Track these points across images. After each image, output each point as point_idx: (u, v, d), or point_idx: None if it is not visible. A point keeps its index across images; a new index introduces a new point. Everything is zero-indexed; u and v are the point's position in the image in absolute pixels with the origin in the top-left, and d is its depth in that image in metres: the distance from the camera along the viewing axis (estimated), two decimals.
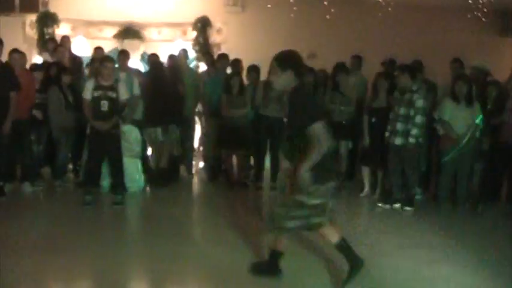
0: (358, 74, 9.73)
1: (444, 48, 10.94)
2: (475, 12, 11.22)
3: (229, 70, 9.47)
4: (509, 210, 7.97)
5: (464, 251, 6.18)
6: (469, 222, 7.50)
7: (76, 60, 10.14)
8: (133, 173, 8.47)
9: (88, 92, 7.56)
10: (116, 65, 9.08)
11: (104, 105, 7.53)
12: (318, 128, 4.38)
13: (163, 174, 8.89)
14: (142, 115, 8.75)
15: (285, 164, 4.79)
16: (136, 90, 8.64)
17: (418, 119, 7.50)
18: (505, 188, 8.59)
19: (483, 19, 11.35)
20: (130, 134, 8.43)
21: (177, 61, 9.48)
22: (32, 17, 12.47)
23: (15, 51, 8.21)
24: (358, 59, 9.84)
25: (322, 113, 4.83)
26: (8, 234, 6.18)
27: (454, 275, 5.46)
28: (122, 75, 8.70)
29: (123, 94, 7.75)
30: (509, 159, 7.83)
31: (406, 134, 7.57)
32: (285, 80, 4.58)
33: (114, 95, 7.61)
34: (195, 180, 9.69)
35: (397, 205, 7.85)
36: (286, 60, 4.59)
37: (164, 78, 8.90)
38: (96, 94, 7.54)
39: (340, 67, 8.84)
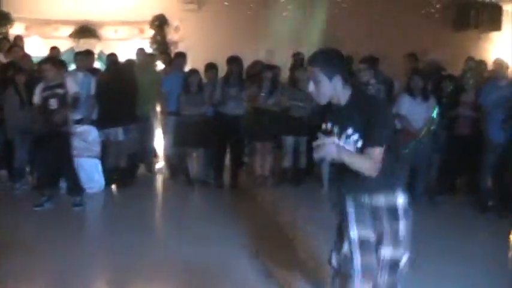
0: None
1: (400, 43, 11.08)
2: (429, 8, 11.42)
3: (187, 68, 9.44)
4: (466, 200, 8.16)
5: (424, 240, 6.29)
6: (427, 213, 7.59)
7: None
8: (93, 173, 8.41)
9: (37, 96, 7.49)
10: (73, 65, 9.10)
11: (53, 103, 7.42)
12: None
13: (123, 174, 8.84)
14: (98, 115, 8.65)
15: None
16: (93, 90, 8.56)
17: None
18: (461, 179, 8.79)
19: (436, 15, 11.56)
20: (89, 134, 8.36)
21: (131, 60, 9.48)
22: None
23: None
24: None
25: None
26: None
27: (415, 262, 5.55)
28: (80, 75, 8.65)
29: (72, 88, 7.60)
30: (465, 151, 7.96)
31: None
32: (333, 89, 3.42)
33: (62, 91, 7.48)
34: (156, 178, 9.67)
35: None
36: (332, 62, 3.43)
37: (122, 77, 8.82)
38: (44, 95, 7.45)
39: (297, 64, 8.92)
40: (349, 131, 3.39)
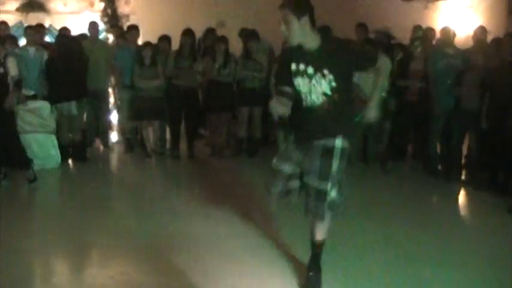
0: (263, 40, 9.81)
1: (348, 13, 11.22)
2: None
3: (139, 42, 9.43)
4: (416, 167, 8.43)
5: (376, 206, 6.58)
6: (379, 179, 7.93)
7: None
8: (50, 148, 8.36)
9: None
10: (24, 39, 9.00)
11: None
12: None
13: (78, 148, 8.83)
14: (50, 90, 8.58)
15: None
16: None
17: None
18: (411, 145, 9.07)
19: None
20: (43, 110, 8.32)
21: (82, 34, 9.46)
22: None
23: None
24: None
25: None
26: None
27: (369, 226, 5.80)
28: (31, 50, 8.58)
29: (12, 70, 7.38)
30: (414, 118, 8.21)
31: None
32: (302, 30, 3.84)
33: (1, 70, 7.28)
34: (113, 152, 9.67)
35: None
36: (300, 4, 3.86)
37: (73, 52, 8.75)
38: None
39: (251, 34, 9.00)
40: (325, 71, 3.87)
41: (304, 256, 4.55)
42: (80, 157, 8.72)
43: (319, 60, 3.88)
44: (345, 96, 4.07)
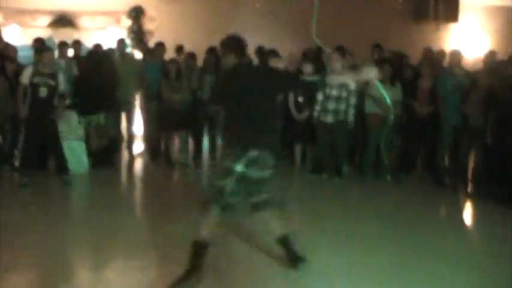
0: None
1: (361, 34, 11.69)
2: (390, 0, 12.10)
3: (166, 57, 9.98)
4: (425, 178, 8.93)
5: (389, 213, 7.11)
6: (391, 189, 8.43)
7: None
8: (79, 155, 8.86)
9: (25, 77, 7.81)
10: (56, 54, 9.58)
11: (43, 91, 7.83)
12: None
13: (105, 155, 9.36)
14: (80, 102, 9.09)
15: None
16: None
17: (352, 99, 8.53)
18: (420, 158, 9.54)
19: (396, 6, 12.24)
20: (72, 118, 8.85)
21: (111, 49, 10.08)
22: None
23: None
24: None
25: None
26: None
27: (381, 230, 6.32)
28: (62, 62, 9.18)
29: (62, 84, 8.05)
30: (422, 133, 8.75)
31: (336, 112, 8.50)
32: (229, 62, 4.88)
33: (53, 83, 7.91)
34: (138, 161, 10.13)
35: (325, 175, 8.76)
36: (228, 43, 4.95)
37: (103, 66, 9.24)
38: (35, 80, 7.81)
39: (271, 53, 9.53)
40: None
41: None
42: (107, 164, 9.23)
43: None
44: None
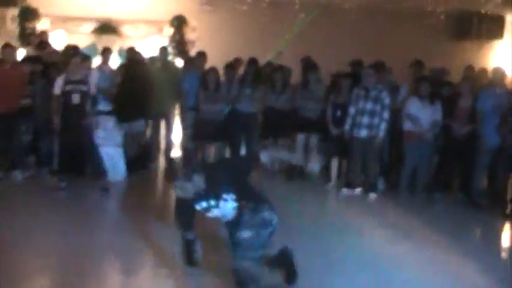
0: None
1: (402, 51, 11.61)
2: (431, 18, 12.03)
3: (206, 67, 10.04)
4: (460, 198, 8.77)
5: (422, 231, 7.07)
6: (426, 208, 8.35)
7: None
8: (117, 161, 8.99)
9: (57, 87, 7.98)
10: (99, 60, 9.77)
11: (75, 98, 7.97)
12: None
13: (141, 163, 9.50)
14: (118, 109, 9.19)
15: None
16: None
17: (386, 114, 8.42)
18: (456, 178, 9.36)
19: (438, 24, 12.17)
20: (108, 123, 8.96)
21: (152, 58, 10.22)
22: (13, 12, 12.82)
23: (7, 45, 8.73)
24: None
25: None
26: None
27: (413, 249, 6.29)
28: (106, 69, 9.35)
29: (93, 88, 8.18)
30: (459, 153, 8.59)
31: (370, 127, 8.44)
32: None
33: (84, 88, 8.04)
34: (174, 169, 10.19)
35: (359, 189, 8.75)
36: None
37: (139, 74, 9.39)
38: (67, 88, 7.96)
39: (310, 65, 9.56)
40: None
41: None
42: (142, 171, 9.36)
43: None
44: None
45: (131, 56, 10.03)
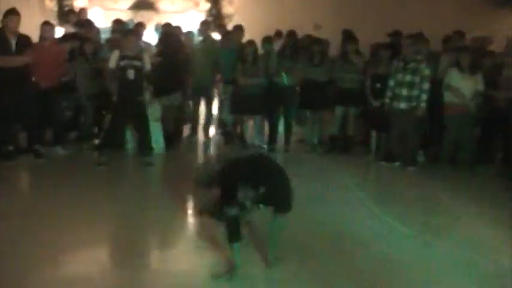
0: None
1: (440, 21, 11.42)
2: None
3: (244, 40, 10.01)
4: (503, 171, 8.59)
5: (463, 204, 6.96)
6: (468, 181, 8.18)
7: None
8: (156, 135, 9.03)
9: (113, 61, 8.05)
10: None
11: (130, 73, 8.03)
12: None
13: (178, 136, 9.66)
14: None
15: None
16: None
17: (426, 85, 8.30)
18: (499, 150, 9.20)
19: None
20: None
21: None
22: None
23: (46, 23, 8.81)
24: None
25: None
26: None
27: (454, 222, 6.21)
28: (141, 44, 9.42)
29: (147, 64, 8.27)
30: (503, 125, 8.43)
31: (410, 99, 8.33)
32: None
33: (139, 64, 8.13)
34: (213, 144, 10.29)
35: (398, 163, 8.67)
36: None
37: (173, 49, 9.39)
38: (122, 63, 8.03)
39: (349, 37, 9.45)
40: None
41: None
42: (176, 145, 9.50)
43: None
44: None
45: (166, 30, 10.04)
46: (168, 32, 10.00)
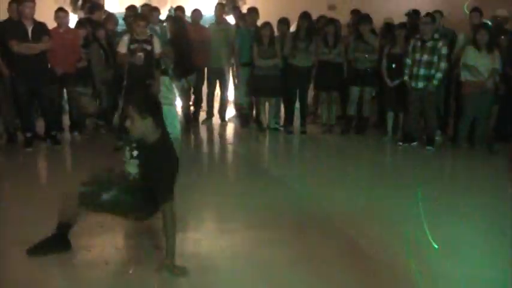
0: None
1: None
2: None
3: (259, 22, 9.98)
4: None
5: (481, 183, 6.90)
6: (485, 161, 8.12)
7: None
8: (172, 119, 9.03)
9: (123, 46, 8.06)
10: None
11: (140, 57, 8.01)
12: None
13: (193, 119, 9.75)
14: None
15: None
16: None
17: (443, 64, 8.26)
18: None
19: None
20: (163, 83, 9.01)
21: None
22: None
23: (60, 9, 8.85)
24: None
25: None
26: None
27: (473, 203, 6.16)
28: (156, 28, 9.41)
29: (158, 47, 8.23)
30: None
31: (427, 78, 8.28)
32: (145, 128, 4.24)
33: (149, 47, 8.10)
34: (229, 126, 10.34)
35: (415, 143, 8.64)
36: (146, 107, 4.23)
37: (182, 32, 9.25)
38: (132, 47, 8.03)
39: (363, 17, 9.39)
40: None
41: None
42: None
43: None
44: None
45: (175, 14, 10.09)
46: (171, 16, 10.02)
